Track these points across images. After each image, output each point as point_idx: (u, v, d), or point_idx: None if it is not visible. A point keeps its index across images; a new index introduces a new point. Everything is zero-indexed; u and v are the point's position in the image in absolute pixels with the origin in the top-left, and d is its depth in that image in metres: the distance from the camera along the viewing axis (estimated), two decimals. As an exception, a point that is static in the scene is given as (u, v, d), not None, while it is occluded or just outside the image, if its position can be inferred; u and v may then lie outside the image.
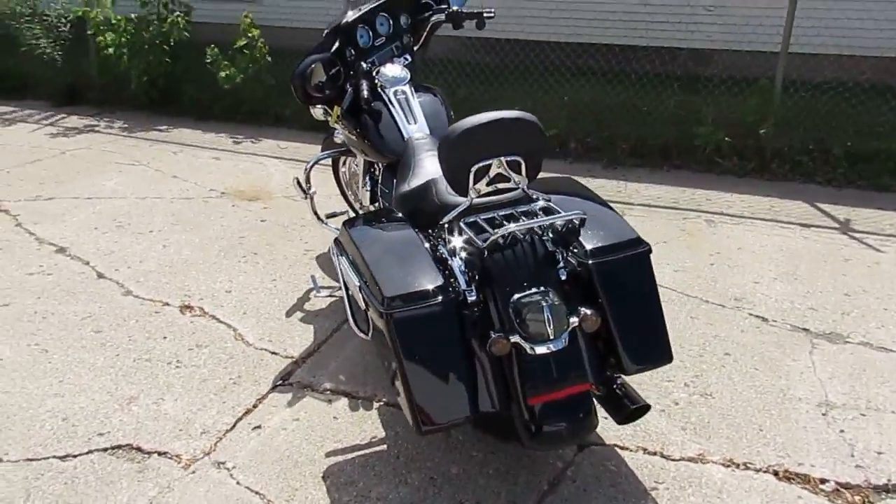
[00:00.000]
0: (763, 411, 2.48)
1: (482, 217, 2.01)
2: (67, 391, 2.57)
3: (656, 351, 2.06)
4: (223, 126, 6.28)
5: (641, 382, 2.62)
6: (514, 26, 6.80)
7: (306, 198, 3.30)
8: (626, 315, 2.01)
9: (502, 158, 1.97)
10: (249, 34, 6.07)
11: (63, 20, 6.98)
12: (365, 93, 2.80)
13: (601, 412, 2.03)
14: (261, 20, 6.37)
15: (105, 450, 2.28)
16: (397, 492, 2.12)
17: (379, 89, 2.94)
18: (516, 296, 1.91)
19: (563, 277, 2.02)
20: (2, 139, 5.86)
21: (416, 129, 2.80)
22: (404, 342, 1.86)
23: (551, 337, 1.86)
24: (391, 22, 3.15)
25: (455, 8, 3.21)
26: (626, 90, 5.73)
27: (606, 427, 2.26)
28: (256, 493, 2.12)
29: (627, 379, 2.08)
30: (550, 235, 2.05)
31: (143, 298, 3.24)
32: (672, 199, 4.61)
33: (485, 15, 3.22)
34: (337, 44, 2.96)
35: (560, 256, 2.04)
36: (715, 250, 3.81)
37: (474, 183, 1.99)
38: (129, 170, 5.07)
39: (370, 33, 3.09)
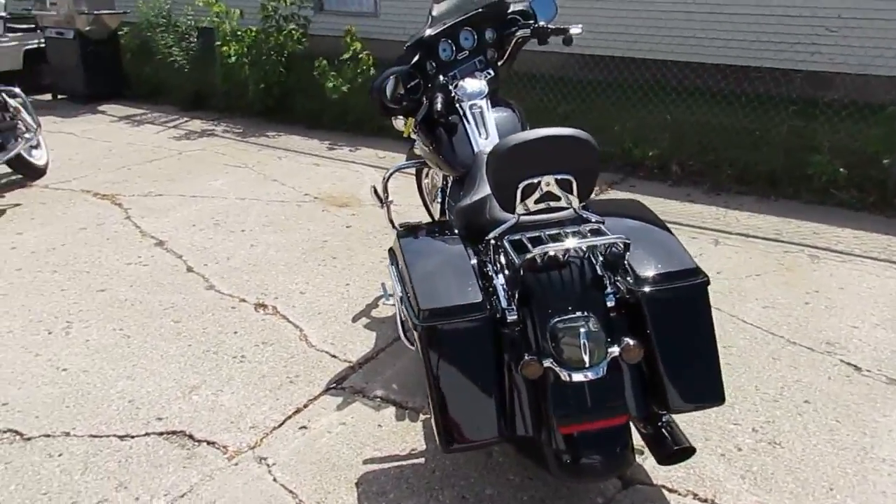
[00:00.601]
0: (838, 468, 2.25)
1: (528, 235, 1.95)
2: (138, 375, 2.73)
3: (705, 390, 1.91)
4: (329, 134, 6.51)
5: (706, 423, 2.46)
6: (622, 43, 6.65)
7: (383, 206, 3.35)
8: (674, 349, 1.89)
9: (551, 177, 1.91)
10: (352, 47, 6.27)
11: (193, 31, 7.49)
12: (438, 105, 2.81)
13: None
14: (378, 33, 6.56)
15: (160, 434, 2.40)
16: (420, 508, 2.09)
17: (456, 103, 2.94)
18: (555, 319, 1.84)
19: (611, 304, 1.92)
20: (130, 139, 6.36)
21: (486, 144, 2.77)
22: (435, 356, 1.83)
23: (587, 364, 1.77)
24: (476, 36, 3.15)
25: (542, 23, 3.17)
26: (735, 113, 5.44)
27: (657, 466, 2.13)
28: (290, 491, 2.15)
29: (683, 417, 1.95)
30: (599, 259, 1.97)
31: (223, 293, 3.40)
32: (775, 230, 4.31)
33: (571, 32, 3.16)
34: (417, 57, 3.01)
35: (608, 281, 1.94)
36: (813, 288, 3.51)
37: (522, 200, 1.94)
38: (234, 172, 5.36)
39: (453, 47, 3.10)
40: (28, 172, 5.08)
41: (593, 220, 2.00)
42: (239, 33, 6.83)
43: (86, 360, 2.82)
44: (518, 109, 3.05)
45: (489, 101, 2.97)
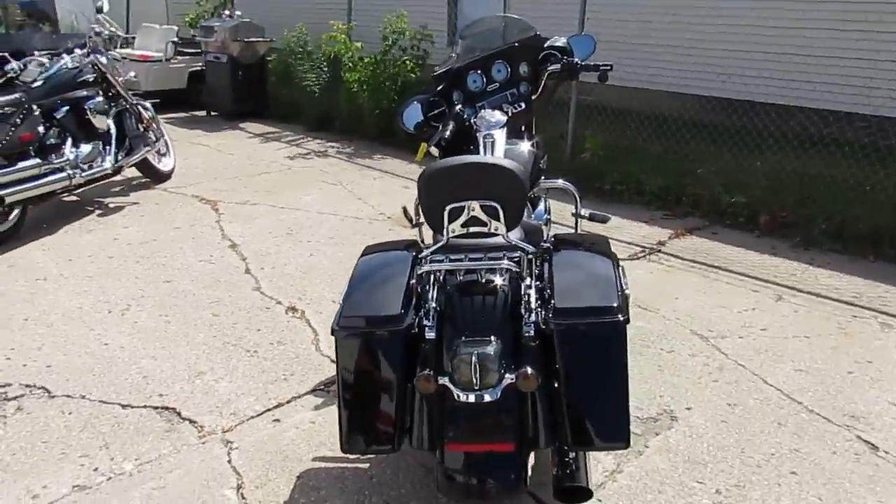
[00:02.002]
0: (788, 546, 2.07)
1: (452, 256, 2.02)
2: (161, 356, 3.07)
3: (608, 431, 1.87)
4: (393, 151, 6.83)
5: (667, 475, 2.35)
6: (709, 82, 6.38)
7: (413, 227, 3.50)
8: (580, 385, 1.87)
9: (476, 203, 1.97)
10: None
11: (324, 59, 8.14)
12: (446, 133, 2.94)
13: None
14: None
15: (155, 408, 2.70)
16: (347, 509, 2.19)
17: (475, 133, 3.05)
18: (461, 339, 1.90)
19: (530, 332, 1.94)
20: (253, 153, 7.02)
21: (488, 174, 2.85)
22: (345, 361, 1.95)
23: (476, 386, 1.81)
24: (509, 69, 3.25)
25: (574, 60, 3.20)
26: (837, 163, 5.03)
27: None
28: (238, 473, 2.34)
29: (645, 465, 1.91)
30: (525, 286, 2.00)
31: (265, 295, 3.71)
32: (854, 293, 3.95)
33: (601, 67, 3.17)
34: (441, 86, 3.16)
35: (527, 310, 1.96)
36: (866, 358, 3.19)
37: (449, 223, 2.01)
38: (328, 189, 5.76)
39: (483, 79, 3.22)
40: (153, 176, 5.79)
41: (526, 249, 2.03)
42: (361, 62, 7.34)
43: (126, 338, 3.21)
44: (540, 146, 3.10)
45: (506, 134, 3.06)
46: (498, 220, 1.98)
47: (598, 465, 2.42)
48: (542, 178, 3.17)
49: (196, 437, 2.53)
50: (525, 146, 3.01)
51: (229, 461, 2.40)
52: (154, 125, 5.73)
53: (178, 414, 2.66)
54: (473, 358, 1.80)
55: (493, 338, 1.88)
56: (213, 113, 9.06)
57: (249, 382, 2.88)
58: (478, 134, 3.02)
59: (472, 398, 1.82)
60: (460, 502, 2.05)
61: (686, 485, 2.33)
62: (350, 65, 7.39)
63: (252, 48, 8.68)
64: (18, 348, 3.09)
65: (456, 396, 1.83)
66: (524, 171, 1.99)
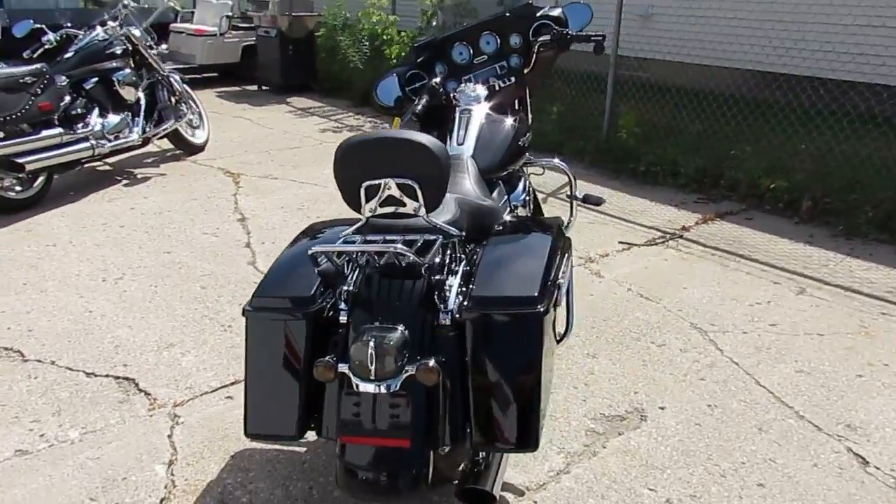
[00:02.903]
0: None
1: (369, 237, 1.90)
2: (138, 326, 3.09)
3: (515, 433, 1.72)
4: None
5: (617, 479, 2.18)
6: (763, 56, 5.91)
7: None
8: (488, 381, 1.74)
9: (392, 180, 1.84)
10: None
11: (365, 33, 8.08)
12: (418, 108, 2.81)
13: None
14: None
15: (116, 377, 2.71)
16: (272, 493, 2.14)
17: (455, 106, 2.91)
18: (365, 325, 1.79)
19: (446, 322, 1.81)
20: (290, 127, 7.04)
21: (458, 150, 2.71)
22: (251, 344, 1.88)
23: (372, 377, 1.70)
24: (498, 41, 3.07)
25: (566, 30, 3.00)
26: (891, 144, 4.58)
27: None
28: (174, 449, 2.32)
29: (592, 472, 1.77)
30: (444, 273, 1.87)
31: (258, 270, 3.69)
32: (890, 287, 3.60)
33: (593, 38, 2.95)
34: (422, 58, 3.02)
35: (441, 299, 1.83)
36: (882, 361, 2.89)
37: (366, 202, 1.89)
38: (353, 163, 5.70)
39: (471, 51, 3.06)
40: (185, 148, 5.89)
41: (447, 230, 1.89)
42: (398, 36, 7.24)
43: (110, 307, 3.26)
44: (523, 121, 2.92)
45: (494, 109, 2.89)
46: (416, 199, 1.85)
47: (546, 463, 2.28)
48: (526, 155, 3.00)
49: (146, 410, 2.53)
50: (506, 122, 2.85)
51: (170, 436, 2.39)
52: (187, 98, 5.81)
53: (136, 385, 2.67)
54: (370, 346, 1.69)
55: (399, 326, 1.76)
56: (263, 87, 9.15)
57: (214, 357, 2.86)
58: (457, 108, 2.89)
59: (369, 388, 1.71)
60: (356, 498, 1.95)
61: (635, 491, 2.16)
62: (387, 38, 7.29)
63: (301, 22, 8.70)
64: (9, 311, 3.18)
65: (354, 386, 1.73)
66: (441, 147, 1.84)
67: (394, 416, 1.71)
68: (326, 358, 1.74)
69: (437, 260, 1.91)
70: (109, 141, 4.88)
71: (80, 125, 4.72)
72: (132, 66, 5.25)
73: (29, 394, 2.60)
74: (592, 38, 2.98)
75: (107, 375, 2.73)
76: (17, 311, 3.20)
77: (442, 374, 1.76)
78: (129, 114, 5.15)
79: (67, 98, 4.66)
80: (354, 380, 1.72)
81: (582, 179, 5.49)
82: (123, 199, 4.79)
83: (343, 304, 1.88)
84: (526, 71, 3.14)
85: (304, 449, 2.32)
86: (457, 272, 1.92)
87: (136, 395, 2.61)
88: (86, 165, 4.99)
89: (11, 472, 2.20)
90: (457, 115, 2.86)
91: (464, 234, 1.98)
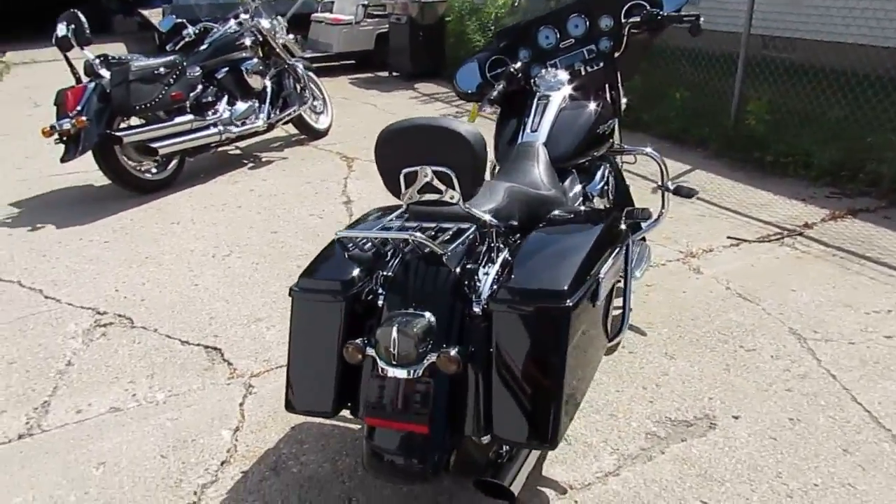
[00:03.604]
0: None
1: (408, 224, 1.92)
2: (234, 300, 3.32)
3: (532, 428, 1.68)
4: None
5: (667, 488, 2.07)
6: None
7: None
8: (509, 373, 1.71)
9: (429, 168, 1.84)
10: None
11: (492, 20, 8.06)
12: (493, 94, 2.78)
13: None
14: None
15: (206, 346, 2.94)
16: (320, 465, 2.22)
17: (535, 93, 2.85)
18: (395, 311, 1.82)
19: (477, 311, 1.80)
20: (416, 113, 7.19)
21: (532, 137, 2.66)
22: (294, 323, 1.96)
23: (395, 361, 1.72)
24: (587, 23, 2.97)
25: (657, 11, 2.83)
26: None
27: None
28: (243, 417, 2.48)
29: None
30: (477, 260, 1.86)
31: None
32: None
33: (685, 19, 2.77)
34: (504, 43, 2.97)
35: (471, 288, 1.82)
36: None
37: (406, 188, 1.91)
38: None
39: (557, 34, 2.98)
40: (309, 133, 6.19)
41: (483, 219, 1.87)
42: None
43: (214, 281, 3.52)
44: (606, 109, 2.80)
45: (568, 95, 2.81)
46: (452, 187, 1.84)
47: (596, 463, 2.20)
48: (610, 143, 2.87)
49: (225, 378, 2.71)
50: (586, 109, 2.75)
51: (241, 404, 2.55)
52: (311, 85, 6.10)
53: (222, 354, 2.87)
54: (394, 330, 1.71)
55: (427, 313, 1.77)
56: (394, 73, 9.40)
57: (295, 333, 3.01)
58: (536, 94, 2.83)
59: (391, 372, 1.74)
60: (378, 479, 1.98)
61: (685, 501, 2.03)
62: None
63: (431, 9, 8.83)
64: (128, 282, 3.53)
65: (379, 369, 1.77)
66: (477, 135, 1.81)
67: (415, 401, 1.73)
68: (357, 340, 1.79)
69: (470, 249, 1.90)
70: (237, 127, 5.23)
71: (209, 112, 5.10)
72: (260, 56, 5.59)
73: (130, 357, 2.87)
74: (685, 19, 2.79)
75: (198, 344, 2.96)
76: (135, 281, 3.54)
77: (471, 363, 1.76)
78: (256, 101, 5.49)
79: (199, 87, 5.06)
80: (380, 363, 1.76)
81: (702, 169, 5.20)
82: (245, 181, 5.13)
83: (381, 288, 1.92)
84: (616, 55, 3.01)
85: (359, 426, 2.40)
86: (494, 262, 1.90)
87: (220, 364, 2.81)
88: (218, 149, 5.40)
89: (103, 427, 2.45)
90: (534, 101, 2.80)
91: (511, 223, 1.96)
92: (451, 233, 1.81)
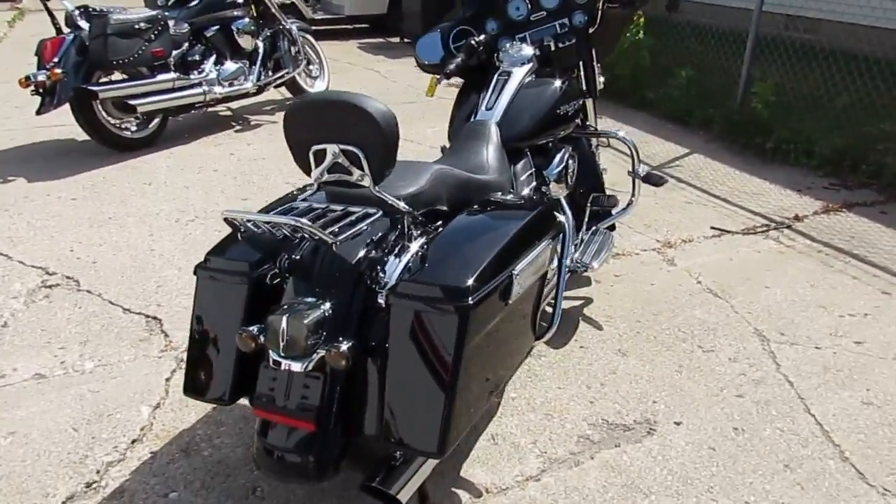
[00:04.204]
0: None
1: (322, 205, 1.78)
2: (187, 268, 3.21)
3: (417, 434, 1.56)
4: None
5: (588, 497, 1.96)
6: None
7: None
8: (401, 373, 1.59)
9: (337, 146, 1.71)
10: (628, 9, 5.79)
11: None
12: (451, 67, 2.63)
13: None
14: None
15: (147, 316, 2.84)
16: (234, 450, 2.14)
17: (497, 67, 2.68)
18: (291, 298, 1.70)
19: (381, 302, 1.68)
20: (418, 81, 6.96)
21: (486, 115, 2.51)
22: (196, 303, 1.87)
23: (282, 353, 1.61)
24: (562, -5, 2.78)
25: (632, -17, 2.64)
26: None
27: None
28: (168, 393, 2.40)
29: None
30: (387, 249, 1.74)
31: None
32: None
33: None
34: (471, 13, 2.80)
35: (373, 279, 1.70)
36: None
37: (315, 166, 1.78)
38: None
39: (528, 5, 2.80)
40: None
41: (393, 203, 1.73)
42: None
43: (171, 248, 3.43)
44: (571, 88, 2.63)
45: (531, 72, 2.64)
46: (360, 168, 1.70)
47: (519, 466, 2.09)
48: (572, 125, 2.71)
49: (158, 351, 2.63)
50: (549, 87, 2.59)
51: (168, 379, 2.47)
52: (308, 48, 5.94)
53: (161, 325, 2.79)
54: (283, 320, 1.60)
55: (324, 302, 1.65)
56: (405, 40, 9.17)
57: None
58: (499, 69, 2.67)
59: (284, 364, 1.63)
60: (268, 476, 1.89)
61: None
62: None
63: (443, -28, 8.56)
64: (85, 242, 3.46)
65: (271, 360, 1.66)
66: (386, 114, 1.67)
67: (304, 396, 1.62)
68: (252, 327, 1.68)
69: (382, 236, 1.78)
70: (222, 87, 5.10)
71: (195, 71, 4.97)
72: (254, 15, 5.44)
73: (68, 322, 2.80)
74: (662, -6, 2.60)
75: (139, 313, 2.88)
76: (93, 242, 3.47)
77: (371, 358, 1.65)
78: (247, 62, 5.35)
79: (185, 45, 4.93)
80: (271, 353, 1.65)
81: (701, 153, 4.98)
82: (228, 144, 5.02)
83: (286, 273, 1.80)
84: (591, 30, 2.82)
85: (282, 411, 2.31)
86: (407, 250, 1.77)
87: (157, 336, 2.73)
88: (208, 110, 5.28)
89: (23, 394, 2.39)
90: (494, 77, 2.64)
91: (439, 208, 1.87)
92: (352, 218, 1.68)
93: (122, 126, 4.70)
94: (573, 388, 2.44)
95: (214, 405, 2.13)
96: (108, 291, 3.02)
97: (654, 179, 2.94)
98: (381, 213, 1.72)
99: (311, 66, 6.07)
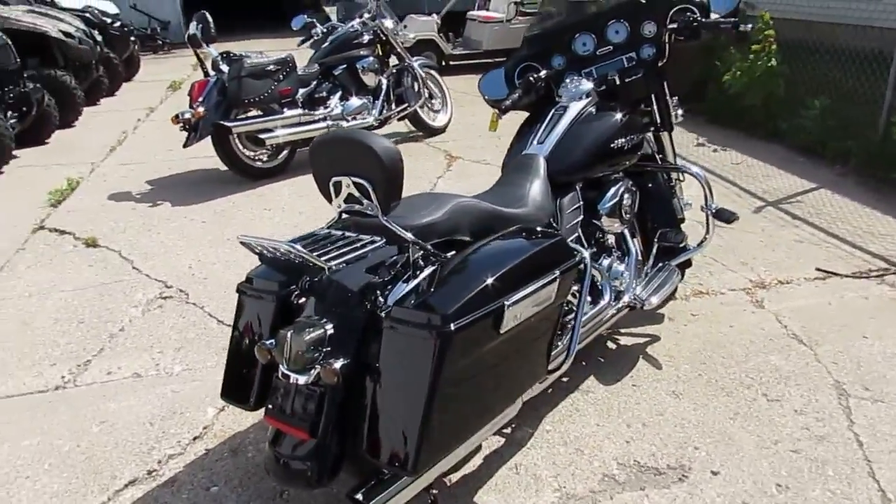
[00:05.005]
0: None
1: (339, 233, 1.93)
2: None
3: (397, 452, 1.64)
4: (711, 129, 6.01)
5: None
6: None
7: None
8: (386, 392, 1.69)
9: (349, 179, 1.86)
10: (759, 36, 5.52)
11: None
12: (508, 102, 2.70)
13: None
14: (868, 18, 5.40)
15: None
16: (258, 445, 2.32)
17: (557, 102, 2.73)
18: (303, 316, 1.87)
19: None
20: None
21: (536, 149, 2.56)
22: (236, 317, 2.08)
23: (285, 366, 1.77)
24: (629, 29, 2.77)
25: (692, 18, 2.59)
26: None
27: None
28: (233, 398, 2.65)
29: None
30: (392, 272, 1.86)
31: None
32: None
33: (722, 26, 2.51)
34: (535, 51, 2.86)
35: (370, 300, 1.82)
36: None
37: (335, 196, 1.94)
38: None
39: (594, 40, 2.81)
40: (425, 130, 6.34)
41: (399, 234, 1.84)
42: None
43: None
44: (630, 121, 2.61)
45: (591, 106, 2.65)
46: (369, 199, 1.84)
47: (534, 497, 2.09)
48: (630, 158, 2.67)
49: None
50: (603, 121, 2.60)
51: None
52: (431, 83, 6.24)
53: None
54: (288, 335, 1.76)
55: (328, 322, 1.80)
56: (540, 72, 9.27)
57: (317, 324, 3.15)
58: (558, 104, 2.71)
59: (292, 377, 1.79)
60: (273, 481, 2.01)
61: (607, 556, 1.87)
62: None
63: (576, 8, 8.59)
64: (203, 260, 3.88)
65: (281, 372, 1.82)
66: (389, 150, 1.80)
67: (302, 407, 1.76)
68: (268, 341, 1.86)
69: (391, 263, 1.89)
70: (346, 121, 5.50)
71: (321, 106, 5.41)
72: (378, 54, 5.82)
73: (171, 329, 3.17)
74: (721, 26, 2.53)
75: (229, 325, 3.18)
76: (209, 260, 3.88)
77: (368, 377, 1.77)
78: (371, 97, 5.72)
79: (313, 83, 5.38)
80: (281, 366, 1.82)
81: (829, 189, 4.62)
82: (348, 173, 5.37)
83: (305, 293, 1.97)
84: (661, 63, 2.78)
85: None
86: (410, 277, 1.87)
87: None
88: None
89: (120, 389, 2.74)
90: (550, 111, 2.68)
91: (460, 238, 1.99)
92: (355, 245, 1.81)
93: (255, 157, 5.21)
94: (612, 426, 2.38)
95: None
96: (209, 304, 3.38)
97: (725, 216, 2.82)
98: (384, 241, 1.84)
99: (433, 101, 6.37)
